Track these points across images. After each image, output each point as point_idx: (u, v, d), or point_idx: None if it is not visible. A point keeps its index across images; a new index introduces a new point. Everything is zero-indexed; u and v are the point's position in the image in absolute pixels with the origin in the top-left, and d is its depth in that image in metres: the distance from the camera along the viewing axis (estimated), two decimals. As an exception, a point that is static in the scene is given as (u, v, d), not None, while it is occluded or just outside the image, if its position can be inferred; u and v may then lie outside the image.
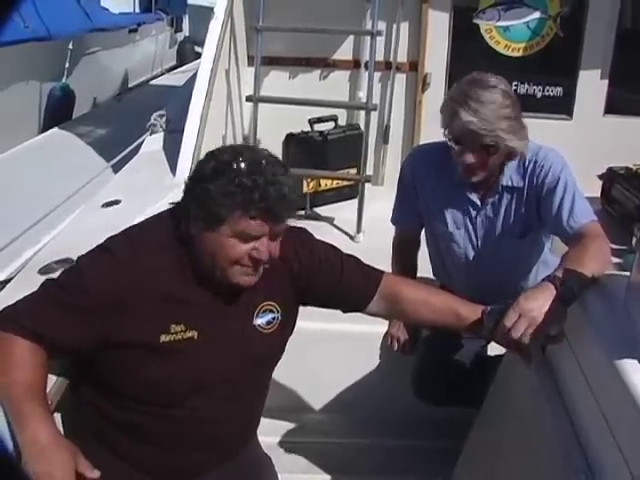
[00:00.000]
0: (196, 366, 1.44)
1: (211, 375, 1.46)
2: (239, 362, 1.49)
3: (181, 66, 11.13)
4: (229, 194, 1.34)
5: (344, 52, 3.96)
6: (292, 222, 1.50)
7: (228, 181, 1.34)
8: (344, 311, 1.69)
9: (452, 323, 1.62)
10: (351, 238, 3.28)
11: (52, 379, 1.49)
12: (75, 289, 1.39)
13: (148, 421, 1.45)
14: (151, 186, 2.95)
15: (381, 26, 3.64)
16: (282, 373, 2.34)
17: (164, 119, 3.77)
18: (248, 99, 3.50)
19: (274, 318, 1.54)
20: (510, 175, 1.92)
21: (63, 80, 7.83)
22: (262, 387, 1.63)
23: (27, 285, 1.51)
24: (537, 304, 1.47)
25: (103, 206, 2.78)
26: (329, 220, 3.48)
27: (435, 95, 3.72)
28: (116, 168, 4.16)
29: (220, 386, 1.48)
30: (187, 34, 14.26)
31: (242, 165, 1.35)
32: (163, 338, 1.40)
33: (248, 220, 1.35)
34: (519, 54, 3.88)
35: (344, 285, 1.61)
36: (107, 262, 1.41)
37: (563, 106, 3.92)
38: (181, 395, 1.45)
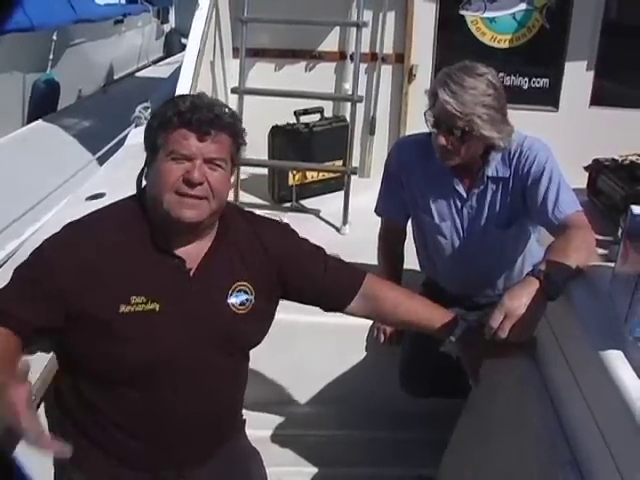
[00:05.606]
0: (158, 339, 1.40)
1: (174, 350, 1.41)
2: (207, 340, 1.45)
3: (168, 58, 11.07)
4: (162, 117, 1.40)
5: (330, 43, 3.94)
6: (277, 215, 1.50)
7: (165, 111, 1.40)
8: (325, 309, 1.68)
9: (426, 325, 1.65)
10: (337, 230, 3.27)
11: (37, 372, 1.47)
12: (35, 263, 1.40)
13: (117, 406, 1.42)
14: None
15: (367, 17, 3.62)
16: (269, 365, 2.36)
17: (149, 111, 3.73)
18: (233, 91, 3.48)
19: (247, 300, 1.50)
20: (495, 166, 1.92)
21: (47, 71, 7.77)
22: (236, 376, 1.58)
23: (9, 278, 1.49)
24: (522, 302, 1.46)
25: (88, 199, 2.75)
26: (315, 212, 3.47)
27: (421, 86, 3.70)
28: (101, 161, 4.14)
29: (185, 366, 1.43)
30: (173, 25, 14.16)
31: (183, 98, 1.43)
32: (122, 309, 1.38)
33: (175, 134, 1.37)
34: (505, 45, 3.87)
35: (328, 281, 1.61)
36: (65, 233, 1.43)
37: (549, 97, 3.91)
38: (142, 373, 1.40)
